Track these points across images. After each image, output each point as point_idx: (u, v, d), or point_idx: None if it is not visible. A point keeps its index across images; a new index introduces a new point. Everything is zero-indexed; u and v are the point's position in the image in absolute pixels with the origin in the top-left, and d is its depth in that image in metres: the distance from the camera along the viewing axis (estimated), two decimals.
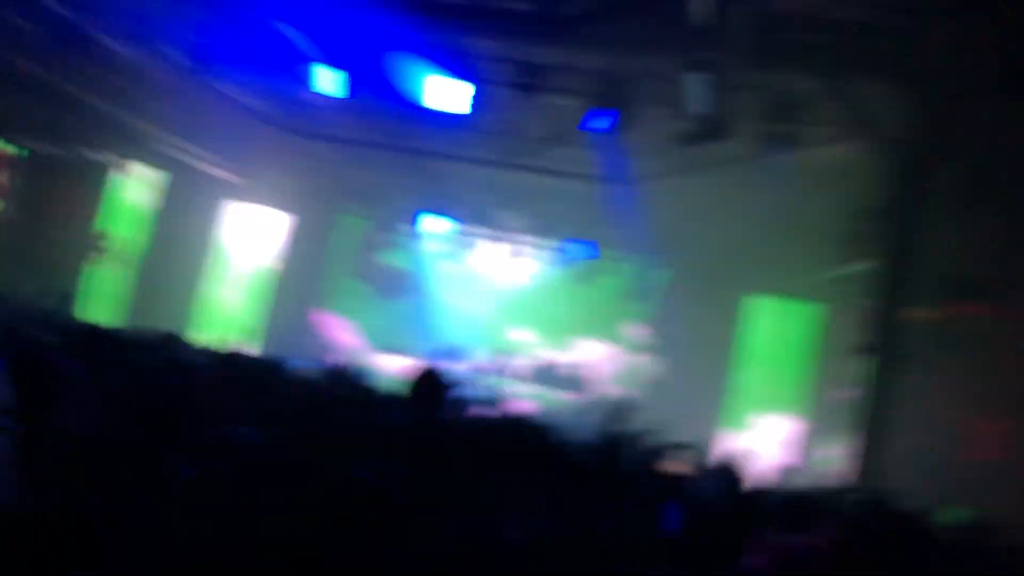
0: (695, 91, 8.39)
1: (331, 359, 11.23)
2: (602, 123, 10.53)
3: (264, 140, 15.84)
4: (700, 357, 16.74)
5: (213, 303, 18.79)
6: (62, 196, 15.05)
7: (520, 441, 3.60)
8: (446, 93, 10.63)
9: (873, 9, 7.17)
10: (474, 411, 5.14)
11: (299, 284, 18.88)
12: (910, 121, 9.07)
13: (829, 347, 16.17)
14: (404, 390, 3.70)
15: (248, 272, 19.40)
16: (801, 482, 7.62)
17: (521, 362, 18.09)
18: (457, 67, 10.59)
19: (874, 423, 8.47)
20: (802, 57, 8.97)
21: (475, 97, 10.72)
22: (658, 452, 4.44)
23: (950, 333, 12.41)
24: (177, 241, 17.11)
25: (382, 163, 16.26)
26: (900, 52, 8.72)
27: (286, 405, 5.02)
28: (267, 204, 18.97)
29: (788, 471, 10.90)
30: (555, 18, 7.91)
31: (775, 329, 17.53)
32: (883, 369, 8.60)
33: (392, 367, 15.38)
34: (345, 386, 5.55)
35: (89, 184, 15.17)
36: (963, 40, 6.86)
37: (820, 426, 16.06)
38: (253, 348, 13.95)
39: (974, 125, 8.73)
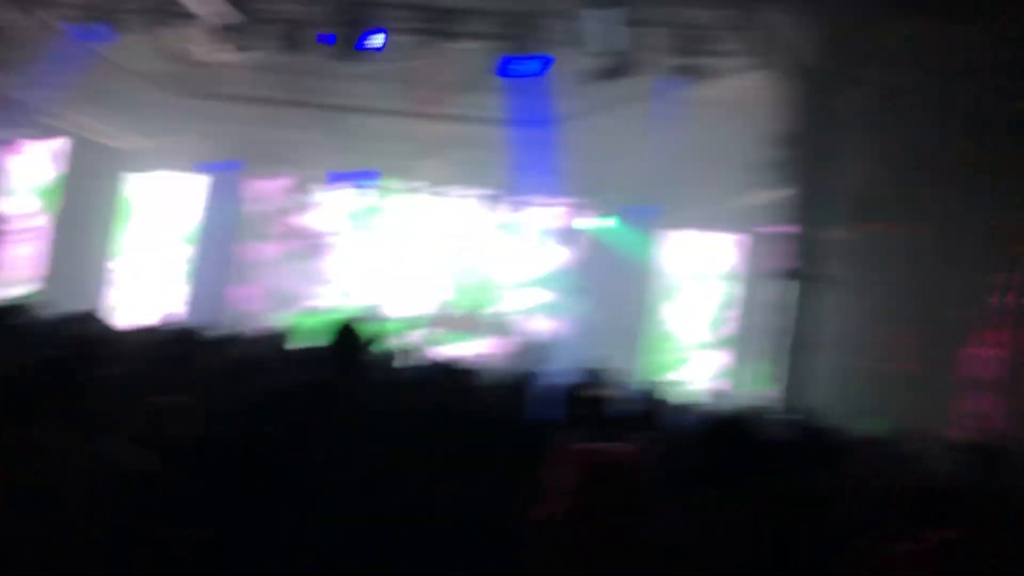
0: (599, 28, 8.33)
1: (249, 325, 11.02)
2: (515, 67, 10.43)
3: (165, 105, 15.28)
4: (626, 295, 16.96)
5: (128, 277, 18.31)
6: None
7: (443, 387, 3.59)
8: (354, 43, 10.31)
9: None
10: (397, 362, 5.12)
11: (213, 252, 18.41)
12: (815, 47, 9.17)
13: (751, 274, 16.57)
14: (323, 347, 3.61)
15: (162, 242, 18.90)
16: (727, 406, 7.81)
17: (448, 313, 18.03)
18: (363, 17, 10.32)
19: (797, 344, 8.70)
20: None
21: (382, 46, 10.43)
22: (578, 383, 4.52)
23: (866, 252, 12.80)
24: (83, 216, 16.55)
25: (292, 120, 15.84)
26: None
27: (204, 374, 4.89)
28: (174, 170, 18.42)
29: (716, 396, 11.18)
30: None
31: (697, 260, 17.85)
32: (803, 291, 8.80)
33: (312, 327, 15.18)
34: (264, 349, 5.44)
35: None
36: None
37: (745, 352, 16.50)
38: (172, 320, 13.59)
39: (877, 47, 8.88)
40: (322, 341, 3.64)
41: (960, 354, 13.63)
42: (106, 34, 11.15)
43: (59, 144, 15.36)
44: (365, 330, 3.61)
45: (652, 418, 4.79)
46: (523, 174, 16.21)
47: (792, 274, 9.15)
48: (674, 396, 7.47)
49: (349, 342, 3.45)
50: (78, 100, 14.67)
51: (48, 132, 14.99)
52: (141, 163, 18.07)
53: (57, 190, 15.65)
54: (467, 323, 17.84)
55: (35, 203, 15.42)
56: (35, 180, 15.39)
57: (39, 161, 15.32)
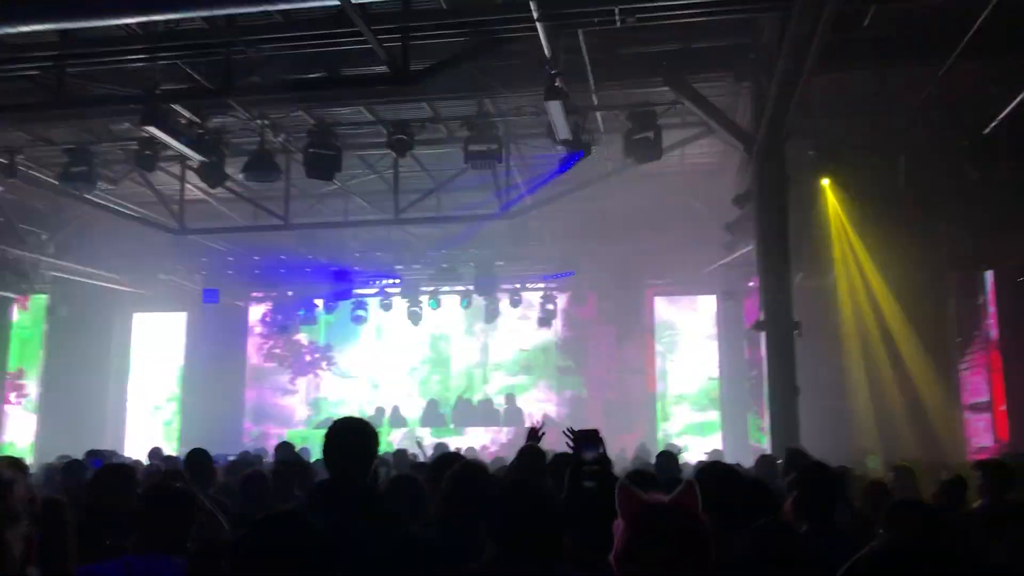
0: (558, 118, 8.85)
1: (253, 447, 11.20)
2: (481, 164, 10.93)
3: (154, 244, 15.82)
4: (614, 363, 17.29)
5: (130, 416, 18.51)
6: None
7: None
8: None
9: (704, 9, 7.73)
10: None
11: (211, 380, 18.69)
12: (755, 108, 9.73)
13: (726, 331, 16.94)
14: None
15: (161, 378, 19.20)
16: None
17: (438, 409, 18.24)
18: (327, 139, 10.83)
19: (777, 393, 8.96)
20: (647, 67, 9.58)
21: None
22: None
23: (831, 296, 13.17)
24: (82, 361, 16.85)
25: (271, 244, 16.33)
26: (735, 45, 9.42)
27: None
28: (168, 308, 18.85)
29: (712, 454, 11.37)
30: (409, 74, 8.28)
31: (683, 322, 18.23)
32: (775, 341, 9.11)
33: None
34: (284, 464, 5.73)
35: None
36: (784, 23, 7.46)
37: (733, 406, 16.76)
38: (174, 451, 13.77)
39: (813, 101, 9.42)
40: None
41: (951, 381, 13.93)
42: (91, 183, 11.64)
43: (55, 291, 15.78)
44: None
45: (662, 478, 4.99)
46: (502, 264, 16.70)
47: (759, 326, 9.47)
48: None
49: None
50: (68, 248, 15.23)
51: (44, 282, 15.46)
52: (136, 304, 18.56)
53: (56, 336, 16.00)
54: (459, 415, 18.03)
55: (35, 355, 15.75)
56: (35, 332, 15.77)
57: (39, 312, 15.72)
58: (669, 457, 7.14)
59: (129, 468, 5.95)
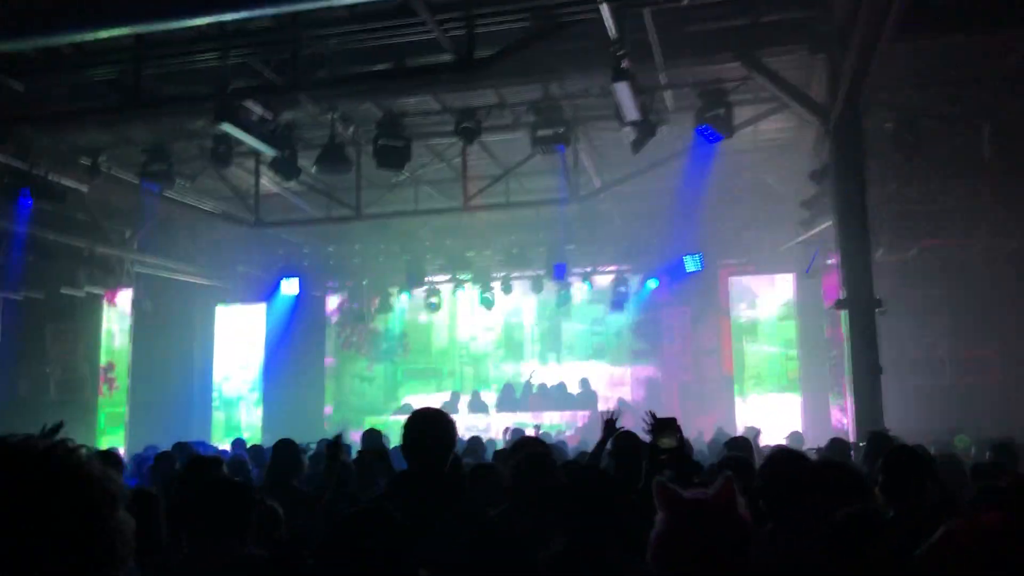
0: (625, 100, 8.73)
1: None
2: (548, 149, 10.88)
3: (232, 238, 16.22)
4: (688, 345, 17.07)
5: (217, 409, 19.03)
6: (51, 335, 15.38)
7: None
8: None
9: None
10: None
11: (291, 369, 19.08)
12: (830, 81, 9.44)
13: (806, 310, 16.57)
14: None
15: (244, 370, 19.68)
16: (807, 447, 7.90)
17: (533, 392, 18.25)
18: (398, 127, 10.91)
19: (859, 371, 8.71)
20: (716, 43, 9.37)
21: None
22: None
23: (916, 270, 12.76)
24: (167, 353, 17.38)
25: (350, 233, 16.56)
26: (807, 17, 9.14)
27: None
28: (248, 300, 19.30)
29: (792, 438, 11.15)
30: (474, 61, 8.27)
31: (758, 305, 17.89)
32: (857, 319, 8.85)
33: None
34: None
35: (77, 319, 15.52)
36: None
37: (813, 387, 16.40)
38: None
39: (891, 73, 9.10)
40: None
41: None
42: (170, 180, 11.99)
43: (143, 288, 16.28)
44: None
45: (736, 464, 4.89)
46: (573, 248, 16.63)
47: (841, 304, 9.22)
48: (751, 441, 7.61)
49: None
50: (151, 244, 15.72)
51: (131, 279, 15.98)
52: (219, 296, 19.07)
53: (145, 332, 16.50)
54: (548, 399, 18.00)
55: (126, 351, 16.29)
56: (125, 327, 16.30)
57: (127, 309, 16.24)
58: (742, 441, 7.00)
59: (215, 459, 6.12)
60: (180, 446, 8.95)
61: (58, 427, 1.41)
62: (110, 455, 7.36)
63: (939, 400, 12.77)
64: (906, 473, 4.05)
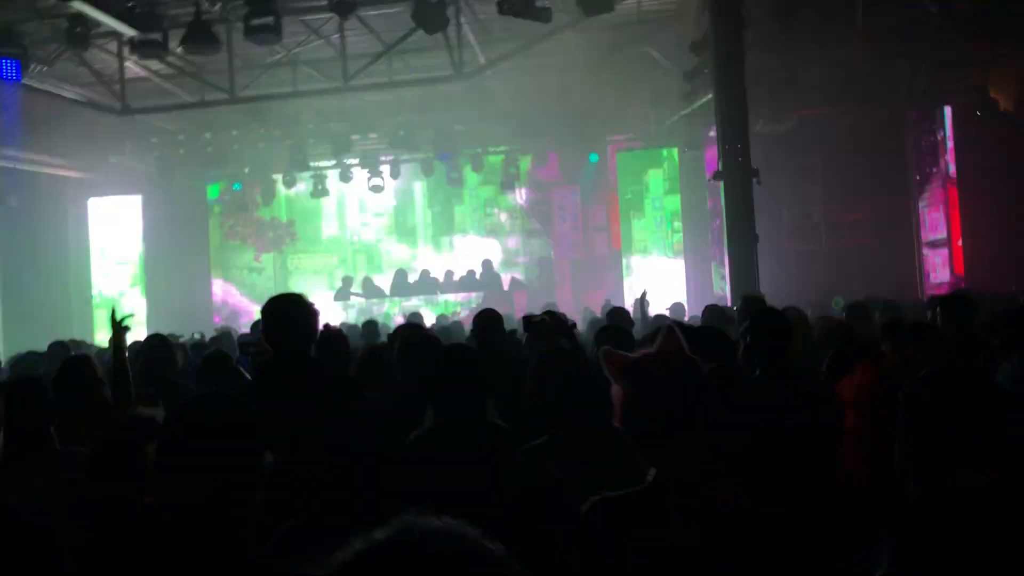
0: None
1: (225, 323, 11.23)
2: (430, 24, 10.48)
3: (101, 126, 15.31)
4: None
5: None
6: None
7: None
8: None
9: None
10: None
11: (174, 261, 18.50)
12: None
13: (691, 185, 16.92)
14: None
15: (124, 265, 19.01)
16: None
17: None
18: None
19: (737, 240, 8.98)
20: None
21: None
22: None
23: (795, 140, 13.12)
24: (38, 249, 16.62)
25: (227, 118, 15.84)
26: None
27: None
28: (122, 191, 18.48)
29: (674, 308, 11.53)
30: None
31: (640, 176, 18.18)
32: (733, 188, 9.06)
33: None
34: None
35: None
36: None
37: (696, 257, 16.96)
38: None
39: None
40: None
41: (910, 219, 14.12)
42: (20, 67, 11.12)
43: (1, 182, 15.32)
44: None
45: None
46: (461, 128, 16.37)
47: (718, 175, 9.41)
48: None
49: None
50: (10, 136, 14.70)
51: None
52: (92, 188, 18.16)
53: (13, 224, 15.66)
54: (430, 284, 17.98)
55: None
56: None
57: None
58: (622, 311, 7.20)
59: (88, 358, 5.91)
60: (57, 345, 8.59)
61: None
62: None
63: (817, 264, 13.37)
64: (768, 334, 4.22)
